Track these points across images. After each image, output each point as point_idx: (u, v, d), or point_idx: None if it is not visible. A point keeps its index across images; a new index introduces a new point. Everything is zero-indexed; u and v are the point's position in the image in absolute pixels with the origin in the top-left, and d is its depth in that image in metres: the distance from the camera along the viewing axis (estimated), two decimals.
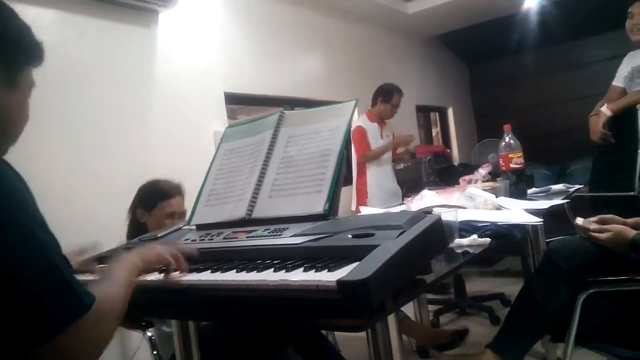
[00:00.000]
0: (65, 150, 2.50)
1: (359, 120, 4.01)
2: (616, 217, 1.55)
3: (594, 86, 4.20)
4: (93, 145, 2.60)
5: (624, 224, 1.55)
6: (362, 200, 3.89)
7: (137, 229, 1.89)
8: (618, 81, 2.94)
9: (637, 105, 2.68)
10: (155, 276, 1.05)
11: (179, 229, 1.39)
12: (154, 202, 1.96)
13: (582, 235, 1.61)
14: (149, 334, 1.68)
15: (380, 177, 3.95)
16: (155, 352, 1.70)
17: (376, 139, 3.96)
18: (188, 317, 1.37)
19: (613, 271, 1.44)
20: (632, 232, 1.47)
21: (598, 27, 5.54)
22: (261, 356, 1.77)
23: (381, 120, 4.05)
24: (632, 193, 2.63)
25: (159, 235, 1.36)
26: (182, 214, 1.94)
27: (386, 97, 4.00)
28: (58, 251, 0.75)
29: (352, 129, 3.95)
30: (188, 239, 1.26)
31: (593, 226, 1.54)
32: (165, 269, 1.03)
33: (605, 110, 2.80)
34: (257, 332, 1.76)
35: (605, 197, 2.58)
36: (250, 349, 1.73)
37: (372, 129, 3.96)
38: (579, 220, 1.58)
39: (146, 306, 0.89)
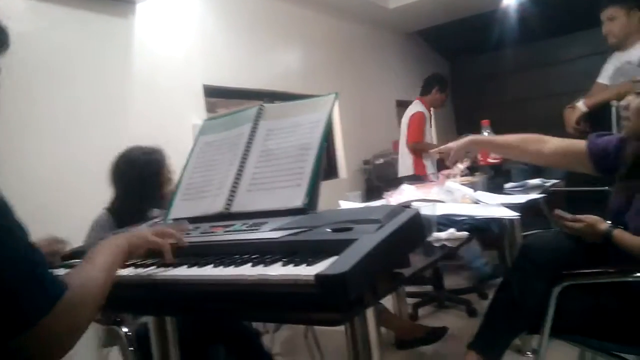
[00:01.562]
0: (39, 142, 2.44)
1: (417, 106, 3.99)
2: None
3: (572, 83, 4.29)
4: (67, 138, 2.55)
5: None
6: None
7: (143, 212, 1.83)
8: (602, 79, 3.00)
9: (612, 102, 2.74)
10: (129, 271, 1.03)
11: (155, 223, 1.37)
12: (155, 169, 1.88)
13: (557, 227, 1.64)
14: (125, 329, 1.65)
15: (431, 162, 3.99)
16: (131, 349, 1.67)
17: (427, 126, 4.00)
18: (164, 313, 1.35)
19: (587, 264, 1.46)
20: (605, 225, 1.49)
21: (576, 25, 5.63)
22: (192, 354, 1.72)
23: (430, 108, 4.07)
24: (605, 188, 2.69)
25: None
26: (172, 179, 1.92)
27: (442, 87, 4.00)
28: (26, 240, 0.73)
29: (410, 113, 3.96)
30: None
31: (570, 217, 1.57)
32: (158, 254, 1.01)
33: (581, 105, 2.86)
34: (190, 329, 1.72)
35: (580, 191, 2.63)
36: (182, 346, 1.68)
37: (427, 116, 3.99)
38: (558, 210, 1.61)
39: (120, 302, 0.87)
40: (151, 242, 0.99)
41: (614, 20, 2.79)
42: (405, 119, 4.05)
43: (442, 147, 2.06)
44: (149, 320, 1.53)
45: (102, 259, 0.87)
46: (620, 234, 1.44)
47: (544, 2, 5.12)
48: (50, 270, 0.74)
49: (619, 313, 1.42)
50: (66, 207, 2.35)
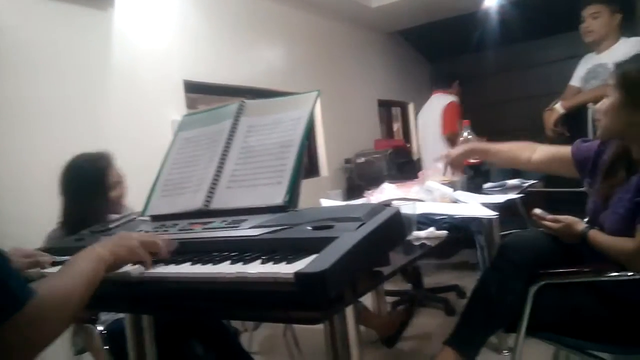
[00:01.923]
0: (14, 138, 2.37)
1: (447, 97, 3.93)
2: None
3: (550, 85, 4.36)
4: (42, 134, 2.48)
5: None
6: None
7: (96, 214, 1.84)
8: (575, 81, 3.07)
9: (589, 104, 2.79)
10: None
11: (133, 219, 1.34)
12: (102, 175, 1.89)
13: (533, 227, 1.67)
14: (100, 328, 1.62)
15: None
16: (106, 347, 1.64)
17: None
18: (141, 311, 1.33)
19: (564, 264, 1.49)
20: (582, 225, 1.52)
21: (555, 28, 5.71)
22: (167, 349, 1.69)
23: None
24: (582, 189, 2.75)
25: (110, 227, 1.30)
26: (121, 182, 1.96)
27: (461, 81, 4.03)
28: None
29: (444, 104, 3.89)
30: (142, 231, 1.22)
31: (549, 217, 1.60)
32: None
33: (559, 107, 2.92)
34: (167, 325, 1.71)
35: (558, 192, 2.68)
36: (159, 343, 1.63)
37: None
38: (537, 210, 1.64)
39: (94, 300, 0.85)
40: (135, 256, 0.95)
41: (596, 18, 2.82)
42: (436, 111, 3.93)
43: (442, 153, 2.15)
44: (124, 316, 1.50)
45: (81, 268, 0.84)
46: (594, 234, 1.47)
47: (524, 4, 5.18)
48: (17, 277, 0.72)
49: (594, 312, 1.45)
50: (34, 212, 2.27)
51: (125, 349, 1.51)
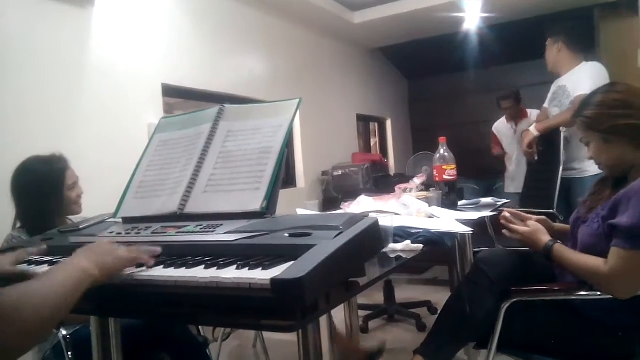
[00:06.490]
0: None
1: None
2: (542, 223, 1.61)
3: (529, 108, 4.50)
4: (14, 133, 2.40)
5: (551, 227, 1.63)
6: None
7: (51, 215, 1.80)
8: (545, 103, 3.21)
9: (561, 127, 2.88)
10: None
11: (103, 221, 1.30)
12: (61, 175, 1.86)
13: (500, 245, 1.66)
14: (63, 332, 1.56)
15: None
16: (70, 354, 1.58)
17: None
18: (108, 314, 1.29)
19: (536, 281, 1.50)
20: (547, 237, 1.52)
21: (529, 54, 5.87)
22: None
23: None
24: (551, 211, 2.82)
25: (81, 227, 1.26)
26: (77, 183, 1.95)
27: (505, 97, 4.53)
28: None
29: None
30: (113, 232, 1.18)
31: (522, 215, 1.60)
32: None
33: (533, 130, 3.01)
34: (134, 335, 1.66)
35: (530, 212, 2.73)
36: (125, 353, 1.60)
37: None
38: (506, 214, 1.63)
39: None
40: (130, 260, 0.92)
41: (548, 49, 3.06)
42: None
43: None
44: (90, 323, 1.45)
45: (58, 280, 0.79)
46: (561, 248, 1.47)
47: (501, 30, 5.32)
48: None
49: (563, 330, 1.47)
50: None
51: (89, 356, 1.46)
